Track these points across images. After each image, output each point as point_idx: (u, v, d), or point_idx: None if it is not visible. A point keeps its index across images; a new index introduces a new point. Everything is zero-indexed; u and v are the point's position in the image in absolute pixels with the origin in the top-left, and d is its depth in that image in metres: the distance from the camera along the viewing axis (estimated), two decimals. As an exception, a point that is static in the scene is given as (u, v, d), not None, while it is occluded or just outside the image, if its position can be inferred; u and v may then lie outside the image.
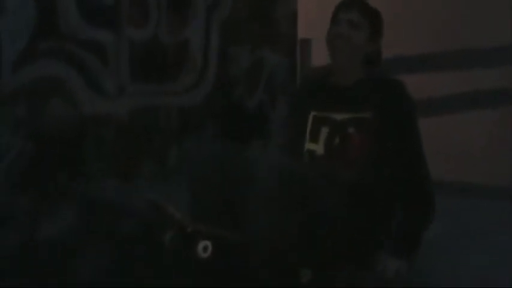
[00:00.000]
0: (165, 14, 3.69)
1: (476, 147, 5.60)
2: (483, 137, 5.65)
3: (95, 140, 3.45)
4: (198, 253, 2.51)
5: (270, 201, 2.53)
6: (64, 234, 3.35)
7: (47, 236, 3.30)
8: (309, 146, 2.86)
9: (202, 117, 3.85)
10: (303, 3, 4.48)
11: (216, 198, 2.74)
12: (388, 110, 2.79)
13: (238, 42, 4.01)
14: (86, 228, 3.40)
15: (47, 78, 3.31)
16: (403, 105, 2.82)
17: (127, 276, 3.39)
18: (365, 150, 2.77)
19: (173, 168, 3.69)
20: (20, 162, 3.23)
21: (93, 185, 3.43)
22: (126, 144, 3.56)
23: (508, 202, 4.16)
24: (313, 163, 2.83)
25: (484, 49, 5.14)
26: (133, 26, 3.58)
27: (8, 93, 3.19)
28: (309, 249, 2.65)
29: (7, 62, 3.19)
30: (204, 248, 2.51)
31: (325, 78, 2.92)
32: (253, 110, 4.11)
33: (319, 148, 2.83)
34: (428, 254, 3.15)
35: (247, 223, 2.56)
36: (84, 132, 3.42)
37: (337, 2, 2.92)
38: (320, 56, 3.10)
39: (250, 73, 4.07)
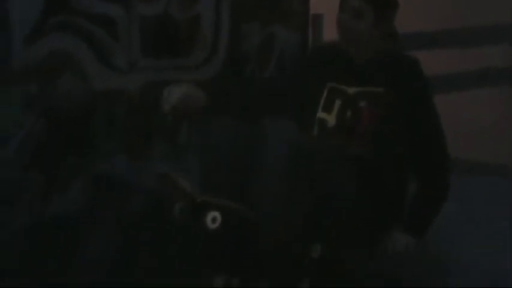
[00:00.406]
0: (176, -11, 3.68)
1: (484, 125, 5.58)
2: (491, 115, 5.63)
3: (105, 116, 3.45)
4: (206, 224, 2.51)
5: (280, 178, 2.53)
6: (74, 212, 3.35)
7: (57, 213, 3.31)
8: (320, 115, 2.86)
9: (214, 93, 3.83)
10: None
11: (225, 175, 2.75)
12: (401, 86, 2.79)
13: (249, 18, 3.99)
14: (96, 205, 3.40)
15: (58, 53, 3.31)
16: (417, 82, 2.83)
17: (137, 255, 3.39)
18: (376, 125, 2.77)
19: (184, 145, 3.69)
20: (31, 139, 3.23)
21: (103, 162, 3.43)
22: (137, 120, 3.56)
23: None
24: (323, 136, 2.83)
25: (492, 27, 5.12)
26: (144, 1, 3.56)
27: (19, 69, 3.19)
28: (319, 225, 2.65)
29: (17, 38, 3.19)
30: (212, 219, 2.51)
31: (338, 51, 2.91)
32: (265, 86, 4.08)
33: (331, 119, 2.84)
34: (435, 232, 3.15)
35: (257, 199, 2.56)
36: (95, 108, 3.42)
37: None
38: (332, 32, 3.09)
39: (261, 49, 4.05)
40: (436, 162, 2.82)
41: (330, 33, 3.49)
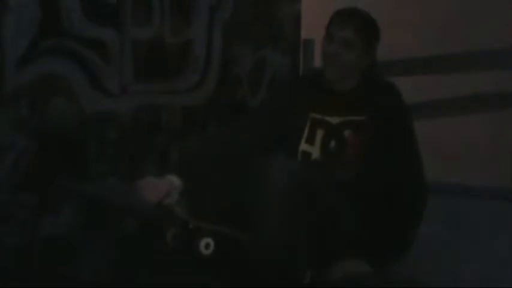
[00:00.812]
0: (168, 14, 3.69)
1: (478, 149, 5.60)
2: (485, 138, 5.66)
3: (97, 139, 3.45)
4: (200, 250, 2.51)
5: (275, 203, 2.53)
6: (66, 233, 3.35)
7: (49, 235, 3.30)
8: (303, 147, 2.86)
9: (205, 117, 3.84)
10: (307, 3, 4.48)
11: (217, 199, 2.75)
12: (381, 113, 2.80)
13: (241, 42, 4.01)
14: (88, 227, 3.40)
15: (50, 77, 3.31)
16: (395, 108, 2.83)
17: (129, 275, 3.39)
18: (360, 153, 2.78)
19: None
20: (22, 161, 3.23)
21: (95, 184, 3.43)
22: (128, 143, 3.56)
23: (510, 203, 4.16)
24: (312, 165, 2.83)
25: (486, 52, 5.15)
26: (136, 25, 3.57)
27: (10, 92, 3.19)
28: (310, 249, 2.65)
29: (10, 61, 3.19)
30: (206, 245, 2.51)
31: (320, 81, 2.91)
32: (256, 110, 4.09)
33: (314, 150, 2.84)
34: (430, 254, 3.14)
35: (252, 224, 2.56)
36: (87, 131, 3.42)
37: (339, 4, 2.93)
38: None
39: (253, 73, 4.07)
40: (408, 189, 2.78)
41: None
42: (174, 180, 2.75)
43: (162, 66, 3.69)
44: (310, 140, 2.85)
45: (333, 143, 2.82)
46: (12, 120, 3.19)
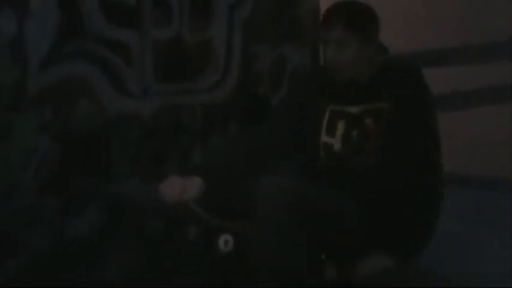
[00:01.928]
0: (188, 13, 3.70)
1: (495, 140, 5.58)
2: (502, 130, 5.63)
3: (120, 140, 3.48)
4: (219, 247, 2.53)
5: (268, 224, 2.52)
6: (91, 234, 3.38)
7: (75, 236, 3.33)
8: (324, 138, 2.84)
9: (226, 116, 3.86)
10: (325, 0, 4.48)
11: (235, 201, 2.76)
12: (400, 98, 2.74)
13: (261, 40, 4.02)
14: (112, 227, 3.43)
15: (72, 79, 3.33)
16: (415, 92, 2.75)
17: (153, 274, 3.41)
18: (382, 141, 2.74)
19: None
20: (47, 163, 3.26)
21: (118, 185, 3.45)
22: (151, 143, 3.58)
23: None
24: (329, 160, 2.82)
25: (497, 44, 5.13)
26: (156, 26, 3.59)
27: (33, 95, 3.22)
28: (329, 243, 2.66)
29: (33, 64, 3.22)
30: (225, 242, 2.53)
31: (333, 73, 2.87)
32: (277, 108, 4.10)
33: (336, 142, 2.81)
34: (448, 246, 3.13)
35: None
36: (109, 132, 3.44)
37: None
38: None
39: (273, 70, 4.07)
40: (426, 176, 2.76)
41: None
42: (198, 181, 2.76)
43: (182, 66, 3.70)
44: (331, 132, 2.82)
45: (354, 133, 2.78)
46: (35, 122, 3.22)
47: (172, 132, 3.66)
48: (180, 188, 2.72)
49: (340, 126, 2.81)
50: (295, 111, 2.92)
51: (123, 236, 3.45)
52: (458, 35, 5.65)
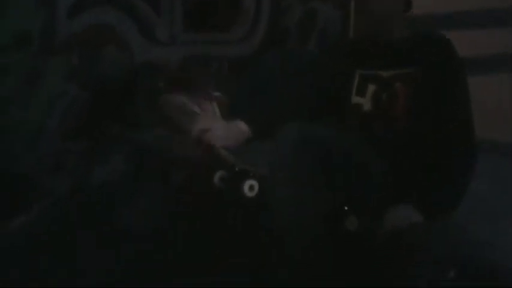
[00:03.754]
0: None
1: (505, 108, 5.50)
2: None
3: (147, 88, 3.49)
4: (244, 192, 2.53)
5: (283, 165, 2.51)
6: (116, 182, 3.40)
7: (99, 183, 3.36)
8: (355, 100, 2.85)
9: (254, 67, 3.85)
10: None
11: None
12: (433, 64, 2.75)
13: (291, -8, 4.00)
14: (137, 175, 3.44)
15: (101, 27, 3.34)
16: (448, 60, 2.78)
17: (177, 223, 3.43)
18: (412, 105, 2.75)
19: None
20: (73, 110, 3.28)
21: (145, 133, 3.47)
22: (177, 93, 3.58)
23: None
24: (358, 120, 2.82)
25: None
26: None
27: (62, 42, 3.24)
28: (354, 198, 2.66)
29: (61, 11, 3.23)
30: (250, 187, 2.53)
31: (365, 37, 2.89)
32: (306, 62, 4.08)
33: (366, 103, 2.82)
34: (477, 210, 3.11)
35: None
36: (137, 80, 3.46)
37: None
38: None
39: (302, 25, 4.05)
40: (460, 145, 2.76)
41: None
42: (243, 126, 2.77)
43: (211, 17, 3.69)
44: (361, 94, 2.84)
45: (384, 96, 2.80)
46: (63, 69, 3.24)
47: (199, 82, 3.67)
48: (225, 133, 2.73)
49: (370, 89, 2.81)
50: (323, 74, 2.94)
51: (148, 184, 3.46)
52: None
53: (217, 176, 2.63)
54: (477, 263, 2.51)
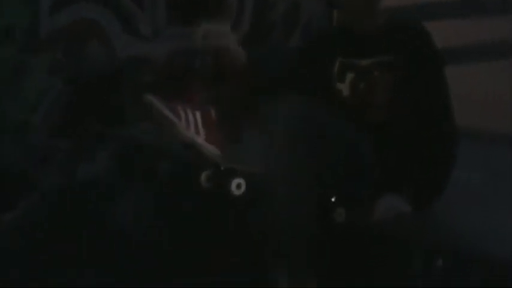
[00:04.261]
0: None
1: (503, 96, 5.52)
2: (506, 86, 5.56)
3: (131, 84, 3.48)
4: (231, 190, 2.53)
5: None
6: (102, 177, 3.39)
7: (86, 179, 3.35)
8: (338, 86, 2.86)
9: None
10: None
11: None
12: (410, 53, 2.77)
13: (275, -15, 4.00)
14: (123, 170, 3.43)
15: (84, 22, 3.33)
16: (425, 49, 2.80)
17: (164, 217, 3.43)
18: (389, 94, 2.77)
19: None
20: (58, 106, 3.26)
21: (130, 128, 3.46)
22: (162, 87, 3.57)
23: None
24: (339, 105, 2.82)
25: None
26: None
27: (45, 37, 3.22)
28: (343, 187, 2.66)
29: (44, 5, 3.22)
30: (237, 185, 2.53)
31: (344, 25, 2.90)
32: (290, 56, 4.08)
33: (345, 89, 2.83)
34: (462, 198, 3.11)
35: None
36: (121, 75, 3.44)
37: None
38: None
39: (286, 18, 4.05)
40: (440, 133, 2.77)
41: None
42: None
43: (195, 10, 3.68)
44: (342, 81, 2.85)
45: (362, 85, 2.81)
46: (47, 64, 3.22)
47: (184, 76, 3.65)
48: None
49: (349, 77, 2.83)
50: (305, 65, 2.95)
51: (134, 180, 3.45)
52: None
53: (204, 175, 2.64)
54: (468, 253, 2.52)
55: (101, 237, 3.24)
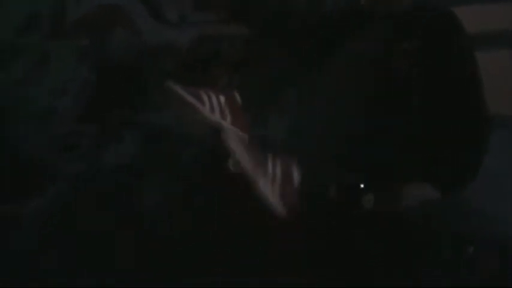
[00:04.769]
0: None
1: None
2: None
3: (156, 69, 3.47)
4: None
5: None
6: (127, 163, 3.40)
7: (111, 165, 3.35)
8: None
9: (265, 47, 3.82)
10: None
11: None
12: (439, 38, 2.72)
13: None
14: (148, 157, 3.44)
15: (110, 8, 3.33)
16: (454, 33, 2.75)
17: (189, 204, 3.43)
18: (415, 79, 2.73)
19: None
20: (85, 92, 3.27)
21: (155, 115, 3.46)
22: (188, 73, 3.57)
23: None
24: None
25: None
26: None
27: (71, 24, 3.22)
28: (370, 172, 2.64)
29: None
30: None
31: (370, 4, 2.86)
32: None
33: None
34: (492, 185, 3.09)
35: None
36: (146, 61, 3.44)
37: None
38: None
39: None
40: (473, 120, 2.73)
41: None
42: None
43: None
44: None
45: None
46: (73, 51, 3.23)
47: (210, 62, 3.65)
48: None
49: None
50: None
51: (159, 167, 3.46)
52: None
53: (231, 162, 2.63)
54: (487, 239, 2.50)
55: (125, 225, 3.25)
